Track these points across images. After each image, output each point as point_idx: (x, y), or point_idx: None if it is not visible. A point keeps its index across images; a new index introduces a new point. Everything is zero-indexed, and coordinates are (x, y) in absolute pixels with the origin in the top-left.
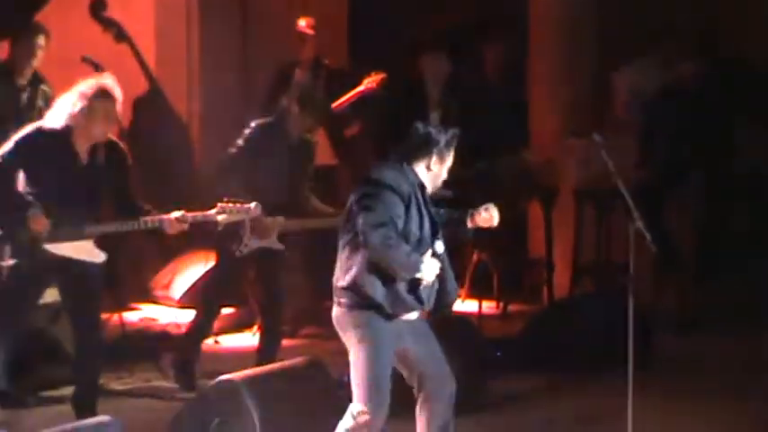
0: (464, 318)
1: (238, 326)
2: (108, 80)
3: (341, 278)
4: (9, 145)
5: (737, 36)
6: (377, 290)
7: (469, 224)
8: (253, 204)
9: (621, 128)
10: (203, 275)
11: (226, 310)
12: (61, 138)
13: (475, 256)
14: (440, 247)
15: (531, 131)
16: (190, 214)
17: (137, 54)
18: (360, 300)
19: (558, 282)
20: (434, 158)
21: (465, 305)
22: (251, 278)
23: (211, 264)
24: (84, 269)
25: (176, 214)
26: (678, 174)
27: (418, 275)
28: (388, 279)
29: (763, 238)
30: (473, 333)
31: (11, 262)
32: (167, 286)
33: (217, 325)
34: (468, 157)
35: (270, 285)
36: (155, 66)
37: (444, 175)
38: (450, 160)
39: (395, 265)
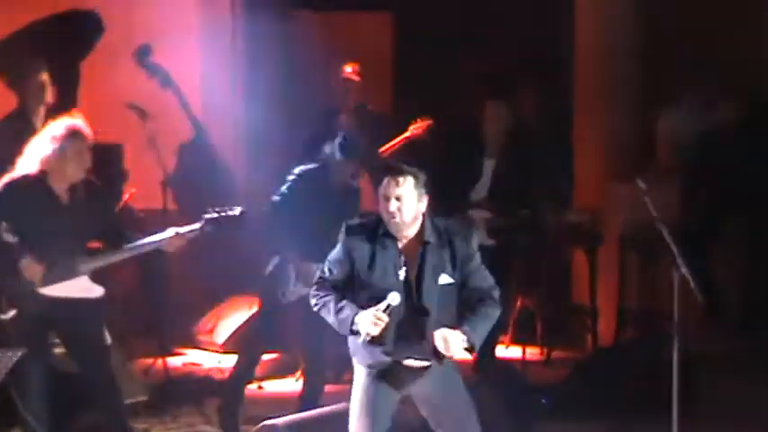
0: (508, 364)
1: (281, 371)
2: (77, 119)
3: None
4: None
5: None
6: (349, 343)
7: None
8: (238, 209)
9: (665, 172)
10: (247, 321)
11: (269, 356)
12: (38, 182)
13: (519, 302)
14: (394, 298)
15: (576, 176)
16: (183, 228)
17: (182, 100)
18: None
19: (602, 329)
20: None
21: (509, 351)
22: (294, 324)
23: (255, 309)
24: (84, 307)
25: (169, 231)
26: (722, 219)
27: (354, 328)
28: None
29: None
30: (517, 379)
31: (12, 313)
32: (211, 331)
33: (260, 370)
34: (511, 204)
35: (313, 331)
36: (200, 112)
37: (391, 208)
38: (390, 191)
39: (330, 321)
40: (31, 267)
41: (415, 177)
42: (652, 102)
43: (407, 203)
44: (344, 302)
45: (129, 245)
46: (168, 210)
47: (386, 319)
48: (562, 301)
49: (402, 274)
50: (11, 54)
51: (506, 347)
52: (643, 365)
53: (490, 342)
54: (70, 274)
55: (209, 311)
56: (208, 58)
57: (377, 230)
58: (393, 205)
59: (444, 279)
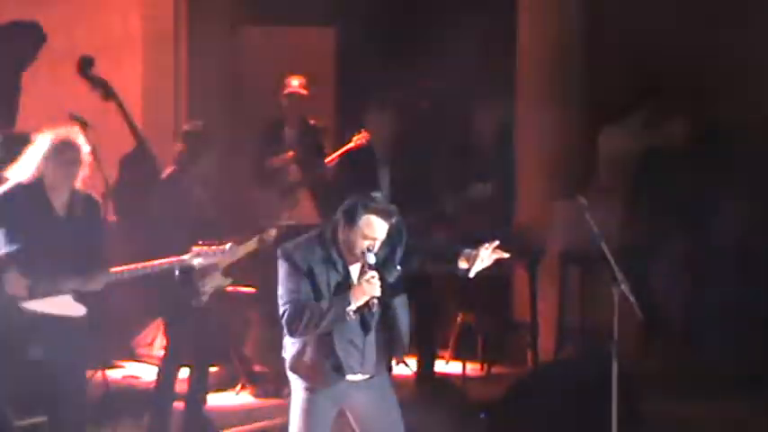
0: (447, 380)
1: (221, 385)
2: (70, 130)
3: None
4: None
5: (729, 95)
6: (310, 368)
7: (463, 264)
8: (228, 246)
9: (607, 189)
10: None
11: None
12: (34, 192)
13: (459, 318)
14: (371, 257)
15: (518, 192)
16: (167, 260)
17: (124, 112)
18: (296, 380)
19: (542, 344)
20: (342, 224)
21: (449, 367)
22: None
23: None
24: (65, 324)
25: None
26: (663, 236)
27: (352, 306)
28: (321, 354)
29: (748, 307)
30: (456, 394)
31: None
32: (151, 344)
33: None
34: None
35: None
36: (141, 124)
37: (360, 245)
38: (368, 230)
39: (326, 326)
40: (15, 281)
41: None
42: (595, 117)
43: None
44: (321, 302)
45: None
46: (108, 221)
47: (377, 276)
48: (502, 317)
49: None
50: None
51: (446, 362)
52: (583, 382)
53: (429, 356)
54: (55, 291)
55: (149, 324)
56: (150, 70)
57: (326, 251)
58: (375, 246)
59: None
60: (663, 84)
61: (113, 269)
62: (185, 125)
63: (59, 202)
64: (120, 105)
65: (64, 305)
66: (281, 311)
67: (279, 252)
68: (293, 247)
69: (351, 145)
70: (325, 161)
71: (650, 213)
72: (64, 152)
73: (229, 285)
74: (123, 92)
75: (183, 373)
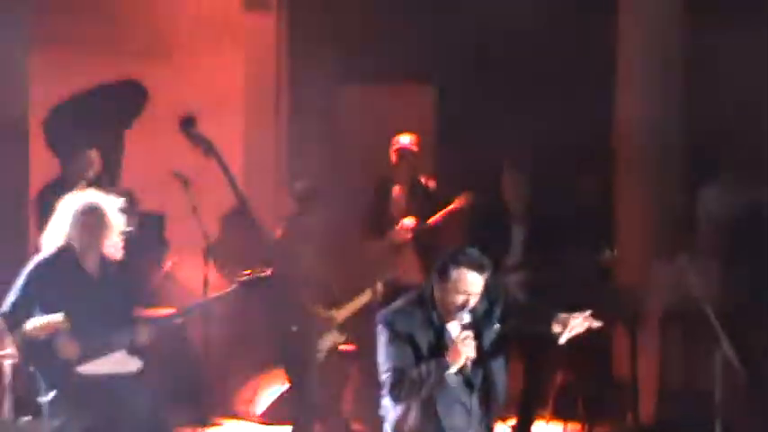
0: None
1: None
2: (93, 193)
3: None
4: (20, 280)
5: None
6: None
7: (556, 329)
8: (269, 270)
9: (708, 250)
10: (286, 391)
11: None
12: (67, 258)
13: (559, 378)
14: (465, 317)
15: (619, 253)
16: (216, 294)
17: (225, 170)
18: None
19: (643, 405)
20: (437, 281)
21: (549, 428)
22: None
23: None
24: (122, 382)
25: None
26: (764, 296)
27: (452, 369)
28: (405, 412)
29: None
30: None
31: (51, 395)
32: (250, 401)
33: None
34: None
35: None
36: (242, 181)
37: (455, 301)
38: (460, 285)
39: (428, 390)
40: (66, 346)
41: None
42: (696, 178)
43: (479, 296)
44: (421, 367)
45: (162, 316)
46: (210, 280)
47: (471, 336)
48: (603, 378)
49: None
50: (56, 126)
51: (547, 423)
52: None
53: (529, 417)
54: (105, 349)
55: (249, 381)
56: (252, 128)
57: (426, 313)
58: (471, 300)
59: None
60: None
61: (151, 314)
62: (297, 183)
63: (91, 264)
64: (222, 163)
65: (117, 363)
66: (382, 378)
67: (379, 318)
68: (393, 312)
69: (453, 206)
70: (431, 222)
71: (751, 272)
72: (88, 217)
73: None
74: (225, 149)
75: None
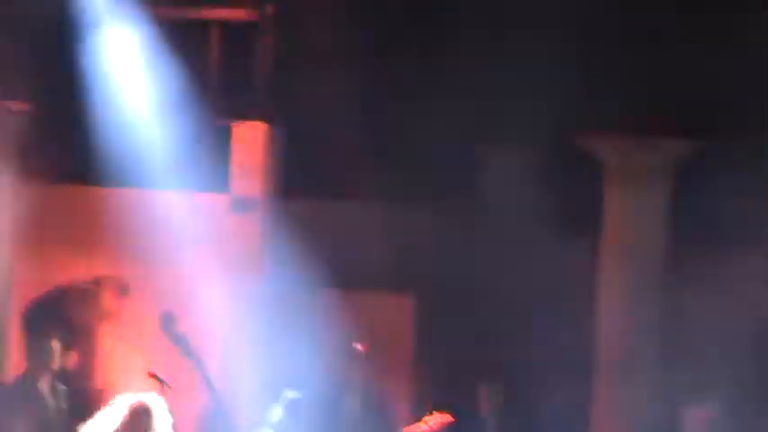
0: None
1: None
2: (148, 396)
3: None
4: None
5: None
6: None
7: None
8: None
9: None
10: None
11: None
12: None
13: None
14: None
15: None
16: None
17: (203, 373)
18: None
19: None
20: None
21: None
22: None
23: None
24: None
25: None
26: None
27: None
28: None
29: None
30: None
31: None
32: None
33: None
34: None
35: None
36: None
37: None
38: None
39: None
40: None
41: None
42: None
43: None
44: None
45: None
46: None
47: None
48: None
49: None
50: (35, 317)
51: None
52: None
53: None
54: None
55: None
56: (230, 325)
57: None
58: None
59: None
60: None
61: None
62: (288, 393)
63: None
64: (200, 366)
65: None
66: None
67: None
68: None
69: (422, 426)
70: None
71: None
72: (138, 422)
73: None
74: (206, 347)
75: None
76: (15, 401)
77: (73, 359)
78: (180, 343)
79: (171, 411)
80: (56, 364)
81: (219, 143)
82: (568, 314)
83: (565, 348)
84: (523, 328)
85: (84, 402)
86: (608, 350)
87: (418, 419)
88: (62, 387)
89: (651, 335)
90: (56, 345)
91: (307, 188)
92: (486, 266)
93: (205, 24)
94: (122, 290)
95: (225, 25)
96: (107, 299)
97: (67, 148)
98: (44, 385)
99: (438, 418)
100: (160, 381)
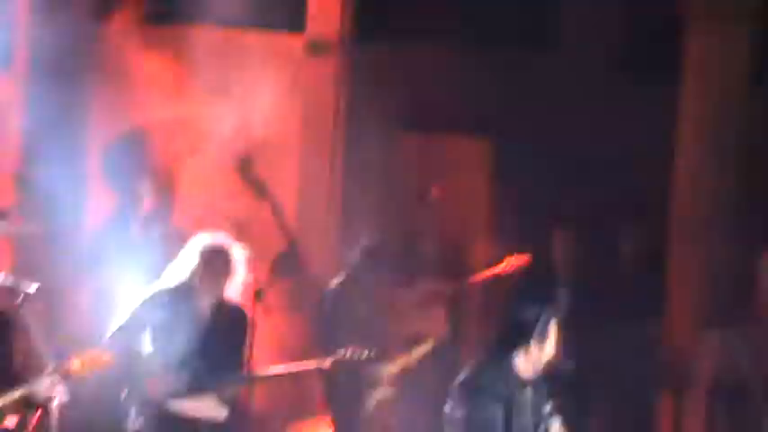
0: None
1: None
2: (223, 237)
3: None
4: (132, 308)
5: None
6: None
7: None
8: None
9: (763, 320)
10: None
11: None
12: (184, 297)
13: None
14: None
15: (669, 319)
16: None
17: (277, 213)
18: None
19: None
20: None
21: None
22: None
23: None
24: (207, 428)
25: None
26: None
27: None
28: None
29: None
30: None
31: (138, 424)
32: None
33: None
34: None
35: None
36: (296, 223)
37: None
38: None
39: None
40: (154, 384)
41: None
42: (756, 239)
43: None
44: None
45: (261, 372)
46: (257, 323)
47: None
48: None
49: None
50: (113, 160)
51: None
52: None
53: None
54: (198, 393)
55: (292, 425)
56: (306, 172)
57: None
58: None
59: None
60: None
61: (251, 373)
62: (365, 239)
63: (206, 307)
64: (275, 206)
65: (206, 408)
66: None
67: (465, 385)
68: (479, 377)
69: (500, 267)
70: (469, 281)
71: None
72: (214, 261)
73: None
74: (279, 192)
75: None
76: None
77: (154, 201)
78: (255, 185)
79: (245, 252)
80: (144, 206)
81: None
82: (640, 157)
83: (638, 193)
84: (602, 172)
85: (164, 244)
86: (682, 198)
87: (495, 263)
88: (150, 229)
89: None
90: (144, 187)
91: (382, 31)
92: (564, 112)
93: None
94: (201, 131)
95: None
96: (185, 141)
97: None
98: (135, 227)
99: (514, 261)
100: (235, 224)
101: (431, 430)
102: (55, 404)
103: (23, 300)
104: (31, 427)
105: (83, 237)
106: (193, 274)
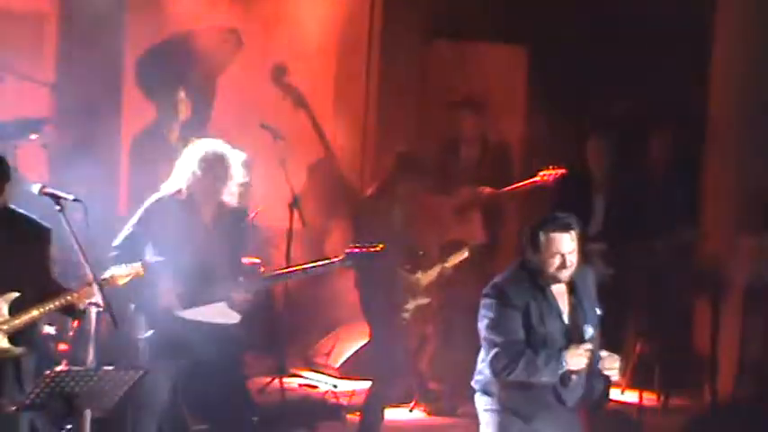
0: (623, 411)
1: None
2: (219, 143)
3: (473, 378)
4: (137, 215)
5: None
6: (510, 395)
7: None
8: (379, 245)
9: None
10: (364, 345)
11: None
12: (185, 204)
13: (638, 347)
14: (588, 331)
15: (703, 225)
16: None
17: (314, 121)
18: (492, 402)
19: (721, 379)
20: (530, 251)
21: (625, 396)
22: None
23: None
24: (220, 332)
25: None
26: None
27: (563, 370)
28: (524, 384)
29: None
30: (631, 425)
31: (149, 333)
32: (329, 354)
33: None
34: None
35: None
36: (331, 133)
37: (567, 263)
38: (553, 247)
39: (533, 380)
40: (168, 294)
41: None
42: None
43: (576, 254)
44: (540, 354)
45: (277, 272)
46: (294, 229)
47: (589, 349)
48: (682, 348)
49: (566, 318)
50: (149, 69)
51: (622, 392)
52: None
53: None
54: (208, 298)
55: (329, 333)
56: (342, 79)
57: (534, 279)
58: (567, 260)
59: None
60: None
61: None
62: (400, 147)
63: (207, 213)
64: (311, 115)
65: (217, 313)
66: (491, 353)
67: (491, 290)
68: (505, 283)
69: (536, 178)
70: (509, 187)
71: None
72: (212, 167)
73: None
74: (315, 100)
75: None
76: (146, 152)
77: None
78: (291, 94)
79: (243, 157)
80: (183, 115)
81: None
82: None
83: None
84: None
85: None
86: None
87: (532, 175)
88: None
89: None
90: (182, 96)
91: None
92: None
93: None
94: (237, 40)
95: None
96: (222, 50)
97: None
98: (173, 136)
99: (551, 172)
100: (272, 131)
101: (467, 338)
102: (93, 312)
103: (61, 209)
104: (71, 333)
105: (119, 146)
106: (192, 183)
